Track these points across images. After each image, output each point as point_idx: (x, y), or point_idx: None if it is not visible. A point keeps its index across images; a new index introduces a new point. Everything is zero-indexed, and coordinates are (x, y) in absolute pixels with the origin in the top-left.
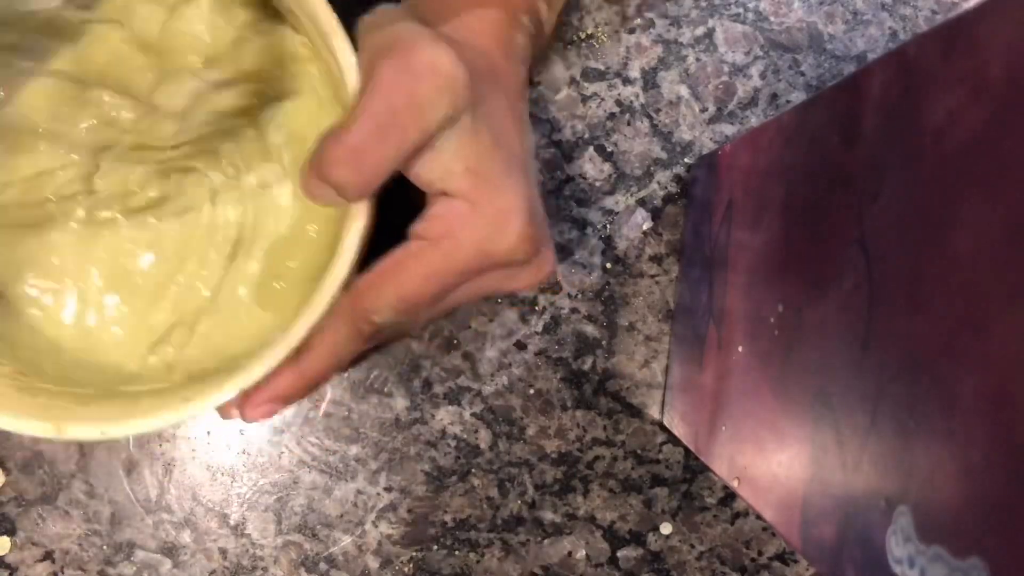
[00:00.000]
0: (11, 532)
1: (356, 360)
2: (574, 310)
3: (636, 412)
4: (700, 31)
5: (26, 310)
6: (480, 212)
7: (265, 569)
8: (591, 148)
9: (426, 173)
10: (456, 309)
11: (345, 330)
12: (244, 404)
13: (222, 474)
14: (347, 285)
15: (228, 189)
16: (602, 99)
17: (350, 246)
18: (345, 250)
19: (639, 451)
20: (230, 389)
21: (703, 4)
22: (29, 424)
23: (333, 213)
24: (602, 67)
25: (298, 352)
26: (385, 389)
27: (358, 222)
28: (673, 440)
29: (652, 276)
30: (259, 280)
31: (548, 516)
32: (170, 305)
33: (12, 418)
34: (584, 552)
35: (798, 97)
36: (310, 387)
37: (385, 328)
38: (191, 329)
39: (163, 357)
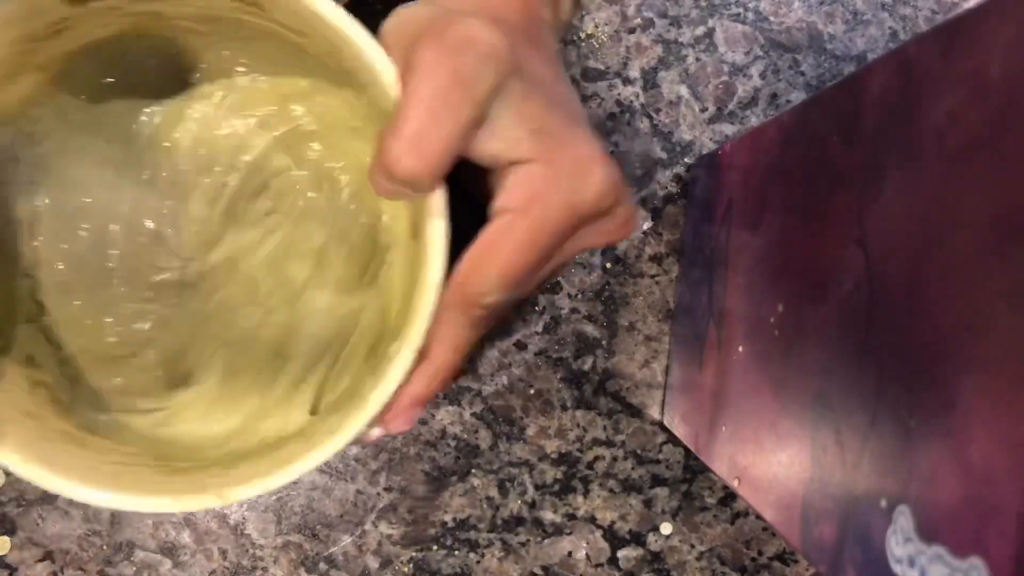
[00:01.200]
0: (11, 532)
1: (478, 344)
2: (574, 310)
3: (636, 412)
4: (700, 31)
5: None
6: (558, 168)
7: (265, 569)
8: None
9: (490, 148)
10: (559, 273)
11: (459, 320)
12: (386, 418)
13: None
14: (446, 276)
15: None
16: (602, 99)
17: (439, 238)
18: (435, 243)
19: (639, 451)
20: (373, 409)
21: (703, 4)
22: (194, 500)
23: (402, 215)
24: (602, 67)
25: (421, 354)
26: None
27: (439, 213)
28: (673, 440)
29: (652, 276)
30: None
31: (548, 516)
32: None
33: (174, 499)
34: (584, 552)
35: (798, 97)
36: (443, 385)
37: (497, 308)
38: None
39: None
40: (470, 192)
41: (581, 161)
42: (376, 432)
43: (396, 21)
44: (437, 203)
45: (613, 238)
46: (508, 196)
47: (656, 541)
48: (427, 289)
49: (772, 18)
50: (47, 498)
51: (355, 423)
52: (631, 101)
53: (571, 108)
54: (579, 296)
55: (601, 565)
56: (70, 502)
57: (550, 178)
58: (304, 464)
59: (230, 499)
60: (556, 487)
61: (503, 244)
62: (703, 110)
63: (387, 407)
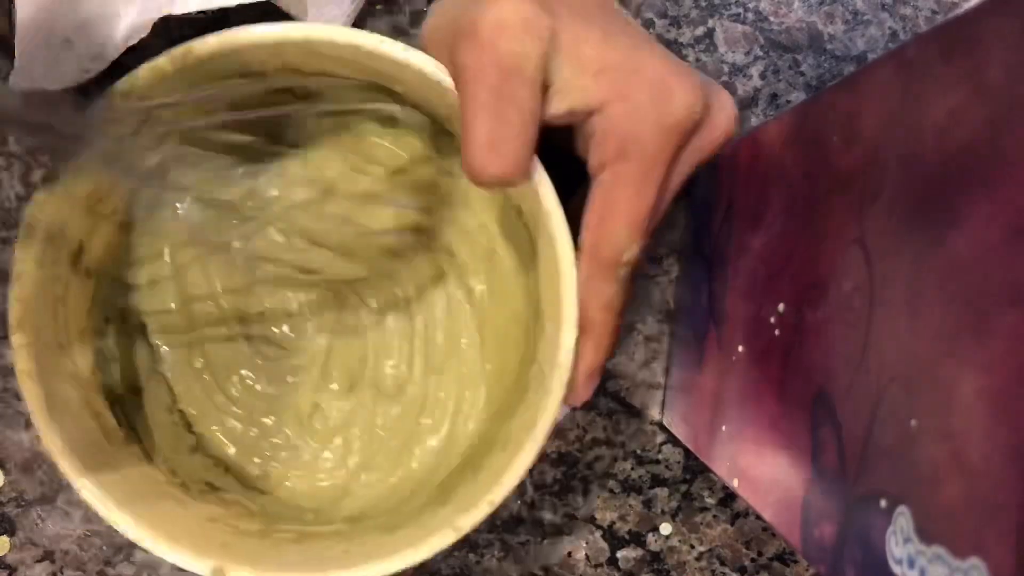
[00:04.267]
0: (11, 532)
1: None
2: None
3: (636, 412)
4: (700, 31)
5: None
6: (635, 101)
7: None
8: None
9: (563, 106)
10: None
11: (606, 286)
12: (568, 398)
13: None
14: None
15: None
16: None
17: (556, 213)
18: (554, 219)
19: (639, 451)
20: (558, 396)
21: (703, 4)
22: (381, 565)
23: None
24: None
25: (580, 327)
26: None
27: (544, 188)
28: (673, 440)
29: (652, 276)
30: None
31: (548, 516)
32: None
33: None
34: (584, 552)
35: (798, 97)
36: (611, 349)
37: (635, 259)
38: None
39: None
40: (563, 150)
41: (655, 83)
42: (563, 413)
43: (434, 24)
44: (542, 184)
45: (718, 143)
46: (600, 149)
47: (656, 541)
48: (563, 265)
49: (772, 18)
50: (47, 498)
51: (547, 413)
52: None
53: (629, 31)
54: None
55: (601, 565)
56: (70, 502)
57: (632, 114)
58: (514, 476)
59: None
60: (556, 487)
61: (618, 198)
62: None
63: (568, 387)
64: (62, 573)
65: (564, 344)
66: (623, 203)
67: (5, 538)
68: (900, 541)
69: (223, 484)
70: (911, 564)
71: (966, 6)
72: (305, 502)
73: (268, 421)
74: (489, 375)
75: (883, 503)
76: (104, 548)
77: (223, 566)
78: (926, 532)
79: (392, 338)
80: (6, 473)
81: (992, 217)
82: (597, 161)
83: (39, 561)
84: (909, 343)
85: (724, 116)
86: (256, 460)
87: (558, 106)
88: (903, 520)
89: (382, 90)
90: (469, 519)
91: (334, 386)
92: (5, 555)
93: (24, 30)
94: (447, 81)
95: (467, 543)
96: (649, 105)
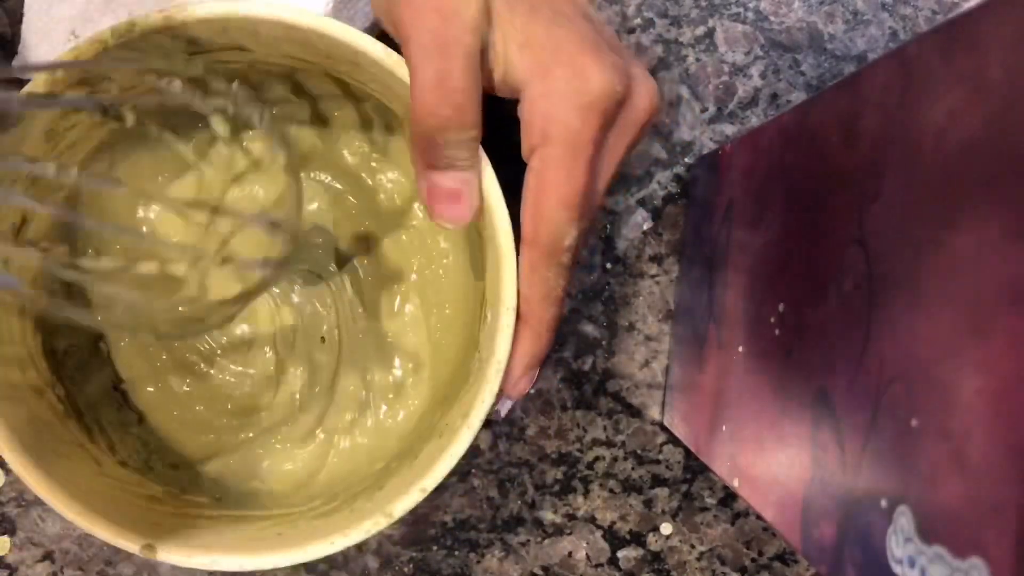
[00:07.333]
0: (11, 532)
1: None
2: (574, 310)
3: (636, 412)
4: (700, 31)
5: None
6: (554, 80)
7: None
8: None
9: (495, 75)
10: (614, 182)
11: (549, 273)
12: (507, 387)
13: None
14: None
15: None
16: None
17: (499, 208)
18: (498, 212)
19: (639, 451)
20: (494, 383)
21: (703, 4)
22: (313, 548)
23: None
24: None
25: (520, 317)
26: None
27: (491, 187)
28: (673, 440)
29: (652, 276)
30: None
31: (548, 516)
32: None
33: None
34: (584, 552)
35: (798, 97)
36: (551, 338)
37: (576, 244)
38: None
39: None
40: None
41: (571, 63)
42: (504, 407)
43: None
44: (484, 173)
45: (643, 121)
46: (527, 135)
47: (656, 541)
48: (504, 254)
49: (772, 18)
50: None
51: (482, 402)
52: None
53: (558, 7)
54: (579, 296)
55: (601, 565)
56: None
57: (550, 95)
58: (446, 464)
59: (337, 546)
60: (556, 487)
61: (549, 181)
62: (703, 110)
63: (505, 376)
64: (62, 573)
65: (502, 332)
66: (554, 186)
67: (6, 538)
68: (901, 541)
69: (162, 464)
70: (912, 564)
71: (966, 6)
72: (249, 484)
73: (211, 404)
74: (433, 364)
75: (883, 503)
76: (104, 548)
77: (153, 544)
78: (926, 532)
79: (333, 320)
80: (6, 473)
81: (992, 217)
82: (527, 148)
83: (40, 561)
84: (909, 343)
85: (645, 94)
86: (197, 441)
87: (494, 73)
88: (903, 520)
89: (336, 80)
90: (401, 505)
91: (278, 371)
92: (6, 555)
93: (30, 20)
94: (390, 63)
95: (468, 543)
96: (566, 86)
